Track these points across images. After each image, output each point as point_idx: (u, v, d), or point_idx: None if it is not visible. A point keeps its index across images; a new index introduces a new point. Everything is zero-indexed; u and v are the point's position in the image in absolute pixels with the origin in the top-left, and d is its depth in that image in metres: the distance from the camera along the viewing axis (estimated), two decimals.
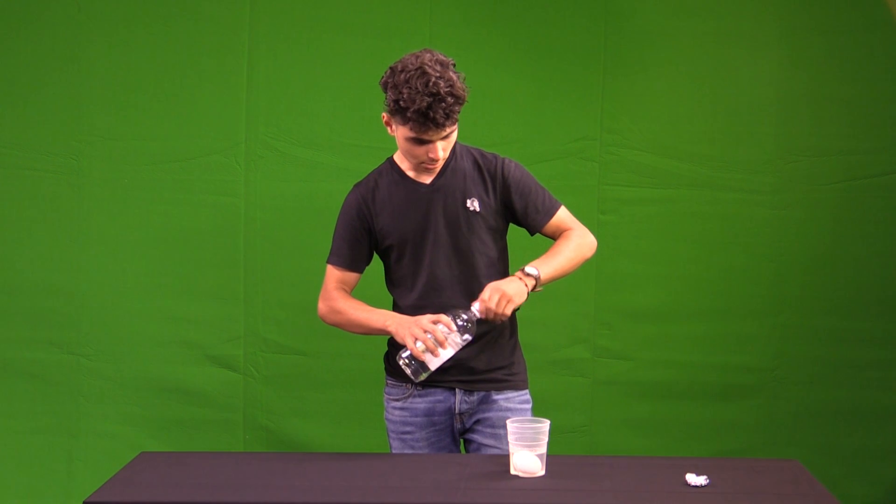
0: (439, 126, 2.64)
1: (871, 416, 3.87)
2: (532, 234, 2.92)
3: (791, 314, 3.87)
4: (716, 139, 3.85)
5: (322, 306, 2.93)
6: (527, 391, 2.94)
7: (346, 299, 2.89)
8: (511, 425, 2.48)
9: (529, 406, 2.93)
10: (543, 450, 2.47)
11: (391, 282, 2.93)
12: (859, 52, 3.81)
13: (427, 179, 2.84)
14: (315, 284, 3.84)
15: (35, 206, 3.85)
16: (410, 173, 2.85)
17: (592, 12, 3.82)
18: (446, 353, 2.67)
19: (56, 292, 3.86)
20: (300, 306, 3.87)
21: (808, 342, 3.87)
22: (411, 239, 2.82)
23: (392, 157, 2.92)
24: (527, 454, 2.45)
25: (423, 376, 2.70)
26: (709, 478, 2.43)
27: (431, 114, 2.61)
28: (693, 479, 2.42)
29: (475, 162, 2.86)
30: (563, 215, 2.90)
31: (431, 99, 2.60)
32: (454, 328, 2.67)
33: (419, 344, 2.66)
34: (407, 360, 2.68)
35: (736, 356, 3.86)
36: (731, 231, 3.86)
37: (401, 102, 2.63)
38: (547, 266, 2.78)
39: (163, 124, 3.84)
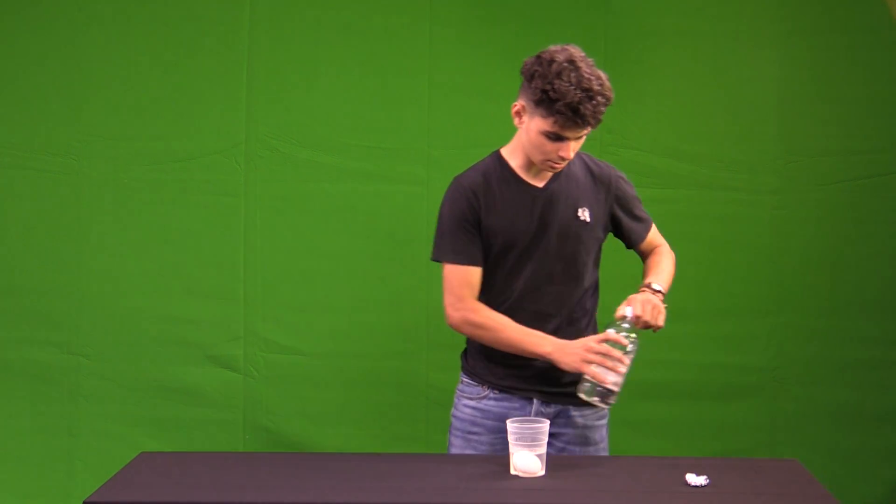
0: (585, 124, 2.55)
1: (871, 417, 3.87)
2: (629, 247, 2.88)
3: (791, 314, 3.87)
4: (716, 139, 3.85)
5: (454, 316, 2.72)
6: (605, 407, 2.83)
7: (486, 312, 2.71)
8: (511, 425, 2.48)
9: (606, 422, 2.85)
10: (543, 450, 2.47)
11: (483, 278, 2.76)
12: (859, 52, 3.81)
13: (540, 182, 2.73)
14: (315, 284, 3.87)
15: (35, 206, 3.85)
16: (521, 173, 2.73)
17: (592, 12, 3.82)
18: (623, 371, 2.56)
19: (56, 292, 3.86)
20: (300, 306, 3.87)
21: (808, 342, 3.87)
22: (519, 243, 2.71)
23: (499, 152, 2.78)
24: (527, 454, 2.45)
25: (614, 399, 2.57)
26: (709, 478, 2.43)
27: (582, 109, 2.51)
28: (693, 479, 2.42)
29: (588, 169, 2.78)
30: (654, 229, 2.88)
31: (583, 94, 2.51)
32: (627, 343, 2.56)
33: (596, 368, 2.54)
34: (588, 389, 2.56)
35: (736, 356, 3.86)
36: (731, 231, 3.86)
37: (550, 94, 2.52)
38: (664, 284, 2.76)
39: (163, 124, 3.84)
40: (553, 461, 2.52)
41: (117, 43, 3.82)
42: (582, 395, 2.58)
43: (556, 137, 2.59)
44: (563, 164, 2.67)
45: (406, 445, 3.80)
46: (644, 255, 2.93)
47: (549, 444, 2.74)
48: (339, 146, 3.84)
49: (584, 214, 2.74)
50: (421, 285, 3.81)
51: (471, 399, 2.82)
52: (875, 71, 3.82)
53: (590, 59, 2.61)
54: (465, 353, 2.90)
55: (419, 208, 3.82)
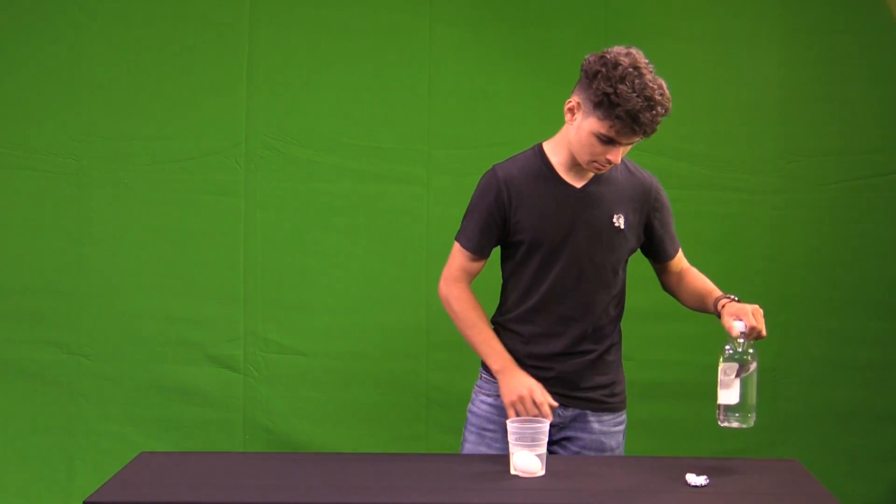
0: (641, 132, 2.52)
1: (871, 416, 3.87)
2: (657, 262, 2.86)
3: (791, 314, 3.87)
4: (717, 139, 3.85)
5: (443, 290, 2.79)
6: (623, 412, 2.84)
7: (465, 303, 2.75)
8: (511, 425, 2.48)
9: (623, 428, 2.84)
10: (543, 450, 2.47)
11: (513, 274, 2.76)
12: (860, 52, 3.81)
13: (578, 183, 2.69)
14: (315, 284, 3.87)
15: (35, 206, 3.85)
16: (561, 171, 2.70)
17: (592, 12, 3.82)
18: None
19: (56, 292, 3.86)
20: (300, 306, 3.87)
21: (808, 342, 3.87)
22: (548, 242, 2.68)
23: (542, 145, 2.76)
24: (527, 454, 2.45)
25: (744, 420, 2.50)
26: (709, 478, 2.43)
27: (641, 118, 2.48)
28: (693, 479, 2.42)
29: (629, 175, 2.74)
30: (681, 250, 2.86)
31: (645, 103, 2.48)
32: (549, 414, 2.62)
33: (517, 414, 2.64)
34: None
35: None
36: (731, 231, 3.86)
37: (612, 97, 2.49)
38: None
39: (163, 124, 3.84)
40: (553, 461, 2.53)
41: (117, 43, 3.82)
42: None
43: (609, 141, 2.56)
44: (608, 168, 2.64)
45: (406, 445, 3.80)
46: (670, 275, 2.88)
47: (563, 447, 2.76)
48: (339, 146, 3.84)
49: (619, 221, 2.71)
50: (421, 285, 3.81)
51: (488, 396, 2.80)
52: (875, 71, 3.82)
53: (651, 66, 2.57)
54: None
55: (419, 208, 3.82)
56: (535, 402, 2.64)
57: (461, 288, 2.77)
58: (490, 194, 2.70)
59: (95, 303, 3.86)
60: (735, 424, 2.50)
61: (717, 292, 2.72)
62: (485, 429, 2.80)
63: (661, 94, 2.52)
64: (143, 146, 3.84)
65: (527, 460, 2.45)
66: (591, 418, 2.78)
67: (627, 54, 2.54)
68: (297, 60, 3.84)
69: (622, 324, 2.86)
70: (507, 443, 2.70)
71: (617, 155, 2.58)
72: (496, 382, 2.76)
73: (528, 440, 2.45)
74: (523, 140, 3.80)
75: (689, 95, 3.85)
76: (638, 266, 3.85)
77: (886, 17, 3.79)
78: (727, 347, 2.51)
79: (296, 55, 3.83)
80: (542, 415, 2.62)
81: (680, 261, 2.88)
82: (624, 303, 2.86)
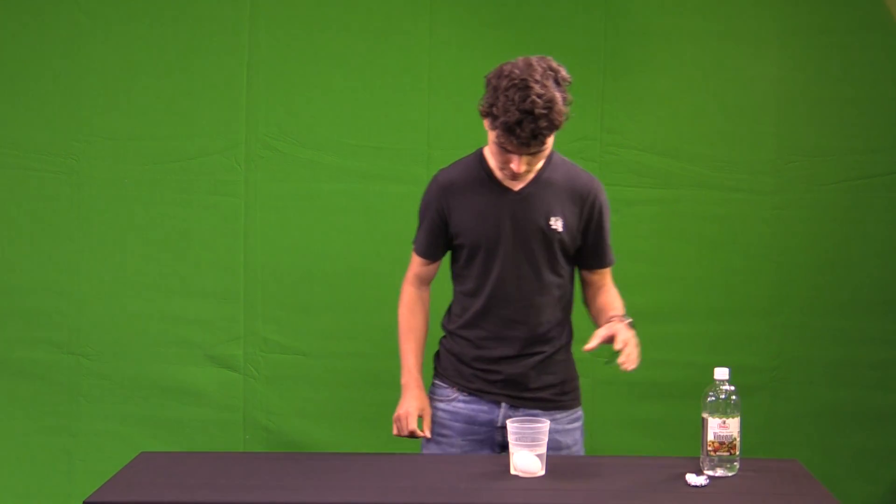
0: (522, 144, 2.53)
1: (871, 417, 3.87)
2: (585, 269, 2.84)
3: (791, 314, 3.87)
4: (716, 139, 3.85)
5: (401, 292, 2.92)
6: (578, 409, 2.85)
7: (407, 309, 2.89)
8: (511, 425, 2.48)
9: (579, 425, 2.85)
10: (543, 450, 2.47)
11: (458, 278, 2.83)
12: (859, 52, 3.81)
13: (515, 185, 2.72)
14: (315, 284, 3.88)
15: (35, 206, 3.85)
16: (499, 174, 2.72)
17: (592, 12, 3.82)
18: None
19: (56, 292, 3.86)
20: (300, 306, 3.87)
21: (808, 342, 3.87)
22: (484, 245, 2.72)
23: (483, 150, 2.79)
24: (527, 454, 2.45)
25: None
26: (709, 478, 2.43)
27: (518, 130, 2.50)
28: (693, 479, 2.42)
29: (569, 179, 2.75)
30: (610, 270, 2.85)
31: (523, 116, 2.48)
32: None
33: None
34: None
35: (736, 356, 3.84)
36: (731, 231, 3.86)
37: (494, 109, 2.54)
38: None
39: (163, 124, 3.84)
40: (553, 461, 2.53)
41: (117, 43, 3.82)
42: None
43: (505, 150, 2.59)
44: (522, 176, 2.65)
45: (406, 445, 3.79)
46: (591, 287, 2.86)
47: None
48: (339, 146, 3.84)
49: (556, 223, 2.72)
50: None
51: (441, 401, 2.85)
52: (874, 71, 3.82)
53: (563, 78, 2.56)
54: (437, 355, 2.92)
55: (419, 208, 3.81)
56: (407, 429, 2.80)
57: (410, 293, 2.90)
58: (432, 200, 2.80)
59: (95, 303, 3.86)
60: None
61: (619, 312, 2.73)
62: (440, 434, 2.84)
63: (548, 108, 2.49)
64: (143, 146, 3.84)
65: (527, 460, 2.45)
66: (543, 416, 2.76)
67: (526, 66, 2.54)
68: (297, 60, 3.84)
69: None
70: (462, 447, 2.79)
71: (518, 164, 2.59)
72: (447, 387, 2.84)
73: (528, 440, 2.45)
74: None
75: (688, 95, 3.86)
76: (638, 266, 3.87)
77: (886, 17, 3.79)
78: (710, 394, 2.55)
79: (296, 55, 3.83)
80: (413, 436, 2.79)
81: (601, 279, 2.85)
82: (572, 304, 2.86)
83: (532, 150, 2.57)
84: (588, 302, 2.89)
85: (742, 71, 3.85)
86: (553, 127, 2.53)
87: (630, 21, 3.83)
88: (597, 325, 2.76)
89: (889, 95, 3.82)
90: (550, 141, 2.61)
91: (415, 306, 2.88)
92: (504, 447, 2.78)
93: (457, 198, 2.75)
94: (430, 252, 2.84)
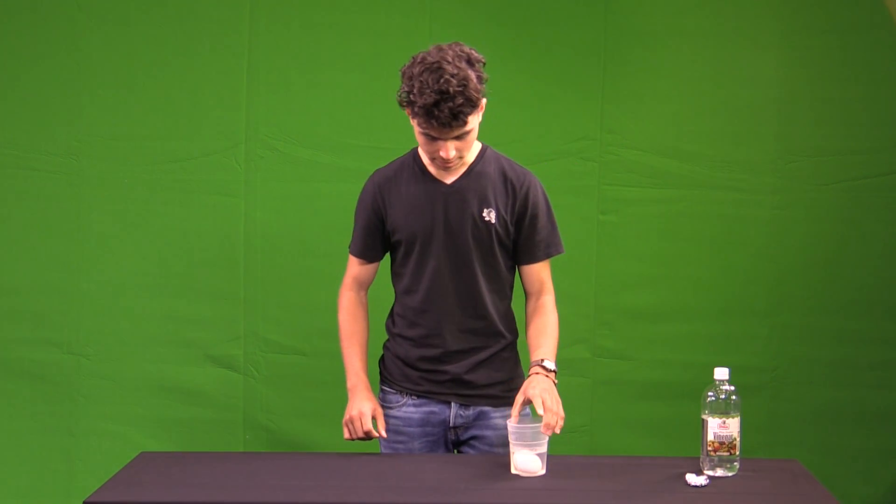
0: (443, 125, 2.55)
1: (871, 416, 3.86)
2: (518, 264, 2.83)
3: (791, 314, 3.87)
4: (716, 139, 3.85)
5: (339, 297, 2.93)
6: (527, 407, 2.84)
7: (348, 311, 2.89)
8: (511, 425, 2.48)
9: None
10: (544, 449, 2.47)
11: (396, 276, 2.85)
12: (859, 52, 3.81)
13: (448, 179, 2.74)
14: (315, 284, 3.88)
15: (35, 206, 3.85)
16: (432, 170, 2.75)
17: (592, 12, 3.82)
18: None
19: (56, 292, 3.86)
20: (300, 306, 3.87)
21: (808, 342, 3.87)
22: (420, 238, 2.74)
23: (417, 148, 2.81)
24: (527, 454, 2.45)
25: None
26: (709, 478, 2.43)
27: (436, 112, 2.52)
28: (693, 479, 2.42)
29: (502, 172, 2.76)
30: (547, 266, 2.82)
31: (439, 97, 2.50)
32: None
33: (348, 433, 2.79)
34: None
35: (736, 356, 3.85)
36: (731, 231, 3.86)
37: (410, 95, 2.56)
38: (553, 355, 2.73)
39: (163, 124, 3.84)
40: (553, 461, 2.53)
41: (117, 43, 3.82)
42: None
43: (431, 138, 2.61)
44: (454, 165, 2.67)
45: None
46: (531, 298, 2.84)
47: (472, 447, 2.80)
48: (339, 146, 3.84)
49: (489, 215, 2.73)
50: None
51: (391, 407, 2.84)
52: (874, 71, 3.82)
53: (475, 58, 2.58)
54: (382, 360, 2.92)
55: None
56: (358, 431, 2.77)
57: (349, 298, 2.90)
58: (367, 198, 2.81)
59: (95, 303, 3.87)
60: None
61: (541, 355, 2.71)
62: (396, 441, 2.84)
63: (462, 86, 2.51)
64: (143, 146, 3.84)
65: (527, 460, 2.46)
66: (494, 414, 2.80)
67: (437, 51, 2.57)
68: (297, 60, 3.84)
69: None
70: (420, 450, 2.79)
71: (447, 150, 2.60)
72: (395, 393, 2.84)
73: (529, 440, 2.45)
74: (523, 140, 3.83)
75: (688, 95, 3.86)
76: (638, 266, 3.88)
77: (886, 17, 3.79)
78: (709, 394, 2.55)
79: (296, 55, 3.83)
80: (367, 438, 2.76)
81: (536, 275, 2.81)
82: (510, 298, 2.85)
83: (455, 132, 2.58)
84: (527, 318, 2.85)
85: (742, 71, 3.85)
86: (470, 104, 2.54)
87: (630, 20, 3.83)
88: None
89: (889, 95, 3.82)
90: (473, 121, 2.61)
91: (355, 310, 2.89)
92: (457, 446, 2.84)
93: (392, 193, 2.77)
94: (366, 252, 2.85)
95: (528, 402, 2.60)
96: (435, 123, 2.55)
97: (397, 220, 2.76)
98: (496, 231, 2.74)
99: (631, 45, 3.83)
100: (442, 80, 2.51)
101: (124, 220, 3.86)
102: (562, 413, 2.55)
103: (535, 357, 2.72)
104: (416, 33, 3.81)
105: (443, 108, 2.52)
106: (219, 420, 3.88)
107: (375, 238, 2.82)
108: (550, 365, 2.69)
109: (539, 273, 2.82)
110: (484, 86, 2.59)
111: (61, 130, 3.84)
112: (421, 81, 2.53)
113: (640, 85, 3.84)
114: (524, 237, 2.78)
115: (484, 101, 2.61)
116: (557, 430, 2.52)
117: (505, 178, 2.76)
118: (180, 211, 3.86)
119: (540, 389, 2.58)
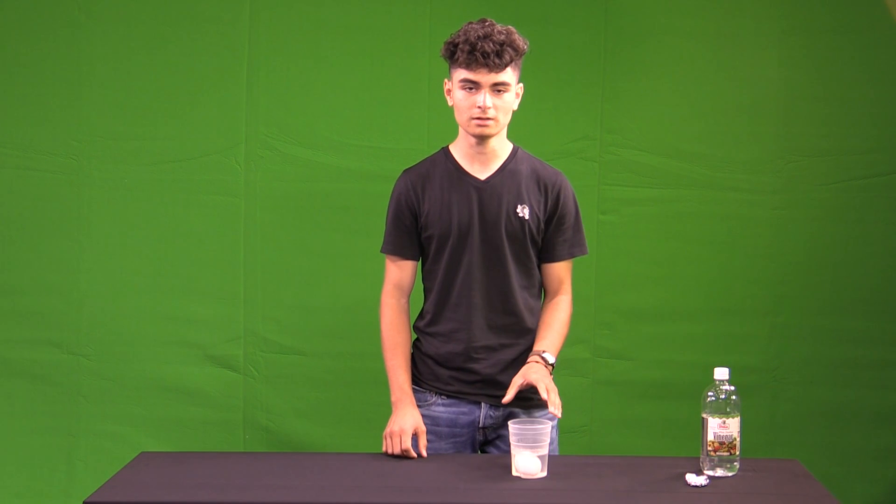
0: (487, 58, 2.59)
1: (871, 416, 3.87)
2: (542, 261, 2.83)
3: (791, 314, 3.87)
4: (716, 139, 3.85)
5: (380, 306, 2.85)
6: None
7: (390, 321, 2.82)
8: (512, 426, 2.48)
9: (555, 423, 2.79)
10: (545, 451, 2.47)
11: (428, 273, 2.83)
12: (859, 52, 3.81)
13: (481, 175, 2.76)
14: (315, 284, 3.88)
15: (35, 206, 3.85)
16: (465, 165, 2.76)
17: (592, 12, 3.82)
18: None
19: (56, 292, 3.86)
20: (300, 306, 3.87)
21: (808, 342, 3.87)
22: (454, 233, 2.74)
23: (447, 147, 2.82)
24: (528, 455, 2.45)
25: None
26: (709, 478, 2.43)
27: (480, 45, 2.58)
28: (693, 479, 2.42)
29: (535, 171, 2.78)
30: (569, 266, 2.83)
31: (483, 33, 2.60)
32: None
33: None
34: None
35: (736, 356, 3.85)
36: (731, 231, 3.86)
37: (455, 40, 2.64)
38: (555, 350, 2.75)
39: (163, 124, 3.84)
40: (553, 461, 2.53)
41: (117, 43, 3.82)
42: None
43: (471, 84, 2.64)
44: (489, 120, 2.67)
45: None
46: (548, 292, 2.85)
47: (496, 447, 2.78)
48: (339, 146, 3.84)
49: (522, 211, 2.75)
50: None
51: (419, 406, 2.80)
52: (875, 71, 3.82)
53: (508, 29, 2.67)
54: (412, 359, 2.89)
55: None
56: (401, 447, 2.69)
57: (390, 306, 2.83)
58: (400, 196, 2.80)
59: (95, 303, 3.86)
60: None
61: (543, 347, 2.73)
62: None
63: (506, 34, 2.63)
64: (143, 146, 3.84)
65: (528, 461, 2.45)
66: (523, 416, 2.79)
67: (480, 21, 2.67)
68: (297, 60, 3.84)
69: None
70: (447, 451, 2.76)
71: (484, 99, 2.63)
72: (424, 391, 2.83)
73: (530, 441, 2.45)
74: (523, 140, 3.80)
75: (688, 95, 3.86)
76: (638, 266, 3.88)
77: (886, 17, 3.79)
78: (709, 394, 2.55)
79: (296, 55, 3.83)
80: (407, 455, 2.68)
81: (557, 273, 2.82)
82: (540, 297, 2.86)
83: (496, 76, 2.62)
84: (541, 314, 2.85)
85: (742, 71, 3.85)
86: (514, 49, 2.63)
87: (630, 20, 3.83)
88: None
89: (890, 95, 3.82)
90: (513, 76, 2.66)
91: (397, 320, 2.83)
92: (483, 444, 2.83)
93: (426, 190, 2.77)
94: (401, 249, 2.81)
95: (525, 386, 2.62)
96: (479, 57, 2.59)
97: (432, 216, 2.76)
98: (529, 228, 2.75)
99: (631, 45, 3.83)
100: (487, 23, 2.64)
101: (124, 219, 3.86)
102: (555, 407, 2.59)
103: (536, 347, 2.73)
104: (416, 33, 3.81)
105: (487, 41, 2.59)
106: (218, 420, 3.88)
107: (409, 236, 2.81)
108: (550, 358, 2.71)
109: (560, 272, 2.83)
110: (526, 46, 2.67)
111: (61, 130, 3.83)
112: (467, 28, 2.64)
113: (640, 85, 3.84)
114: (550, 235, 2.79)
115: (519, 72, 2.68)
116: (559, 414, 2.56)
117: (538, 178, 2.78)
118: (180, 211, 3.85)
119: (541, 374, 2.63)
